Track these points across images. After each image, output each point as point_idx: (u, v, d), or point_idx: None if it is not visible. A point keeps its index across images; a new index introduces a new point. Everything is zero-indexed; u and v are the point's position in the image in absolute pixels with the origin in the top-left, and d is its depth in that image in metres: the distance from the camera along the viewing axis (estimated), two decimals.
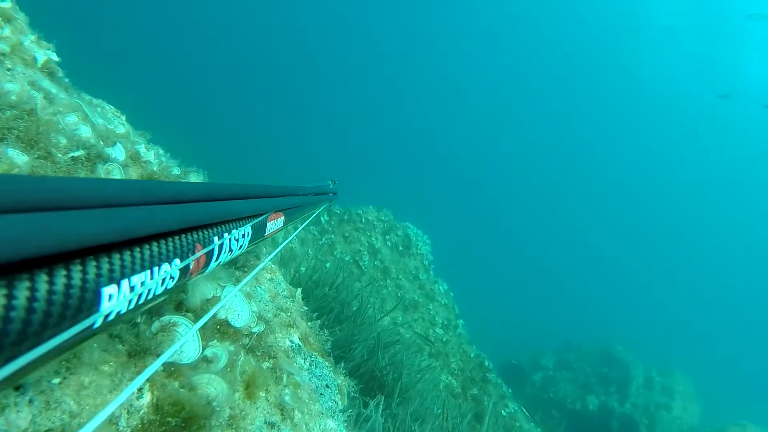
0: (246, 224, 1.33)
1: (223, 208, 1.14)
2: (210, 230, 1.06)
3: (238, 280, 2.25)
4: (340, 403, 2.22)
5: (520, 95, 56.88)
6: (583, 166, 59.70)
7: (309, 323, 2.37)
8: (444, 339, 9.70)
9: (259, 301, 2.24)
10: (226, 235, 1.15)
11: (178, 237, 0.87)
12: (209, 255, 1.04)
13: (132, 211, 0.72)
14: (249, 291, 2.20)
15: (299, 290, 2.59)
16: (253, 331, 1.93)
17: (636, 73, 46.32)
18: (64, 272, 0.55)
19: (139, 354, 1.46)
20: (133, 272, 0.69)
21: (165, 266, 0.80)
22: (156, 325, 1.54)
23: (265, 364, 1.88)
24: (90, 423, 0.54)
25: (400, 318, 9.08)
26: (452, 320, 10.31)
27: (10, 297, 0.46)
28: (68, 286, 0.54)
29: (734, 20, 34.32)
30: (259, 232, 1.48)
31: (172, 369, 1.51)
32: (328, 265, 8.88)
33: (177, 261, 0.85)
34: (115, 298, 0.64)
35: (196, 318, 1.72)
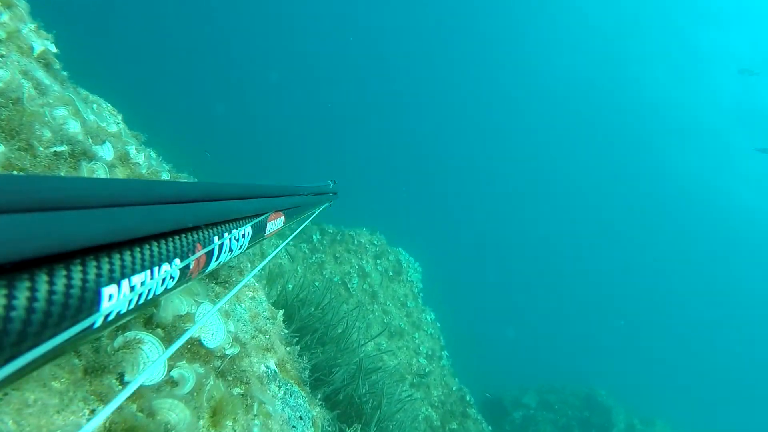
0: (246, 224, 1.31)
1: (223, 208, 1.13)
2: (210, 230, 1.05)
3: (217, 296, 2.14)
4: None
5: (519, 123, 57.17)
6: (571, 201, 59.77)
7: (288, 348, 2.26)
8: (427, 370, 9.56)
9: (237, 321, 2.13)
10: (226, 235, 1.14)
11: (178, 237, 0.87)
12: (209, 255, 1.04)
13: (132, 211, 0.72)
14: (228, 309, 2.09)
15: (281, 312, 2.49)
16: (227, 353, 1.82)
17: (635, 89, 46.31)
18: (64, 272, 0.54)
19: (96, 371, 1.34)
20: (133, 272, 0.69)
21: (165, 266, 0.79)
22: (119, 340, 1.43)
23: (236, 390, 1.77)
24: (91, 422, 0.54)
25: (385, 344, 8.96)
26: (437, 351, 10.19)
27: (10, 297, 0.46)
28: (68, 286, 0.54)
29: None
30: (259, 232, 1.45)
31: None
32: (316, 284, 8.79)
33: (177, 261, 0.84)
34: (115, 298, 0.64)
35: (166, 335, 1.61)
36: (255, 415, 1.75)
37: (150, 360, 1.44)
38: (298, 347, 2.39)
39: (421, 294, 10.76)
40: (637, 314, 57.91)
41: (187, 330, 0.85)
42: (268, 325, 2.29)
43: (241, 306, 2.26)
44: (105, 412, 0.54)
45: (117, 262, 0.64)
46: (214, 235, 1.06)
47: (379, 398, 6.06)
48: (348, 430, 4.87)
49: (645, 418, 15.36)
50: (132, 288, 0.68)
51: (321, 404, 2.25)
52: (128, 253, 0.68)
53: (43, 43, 2.69)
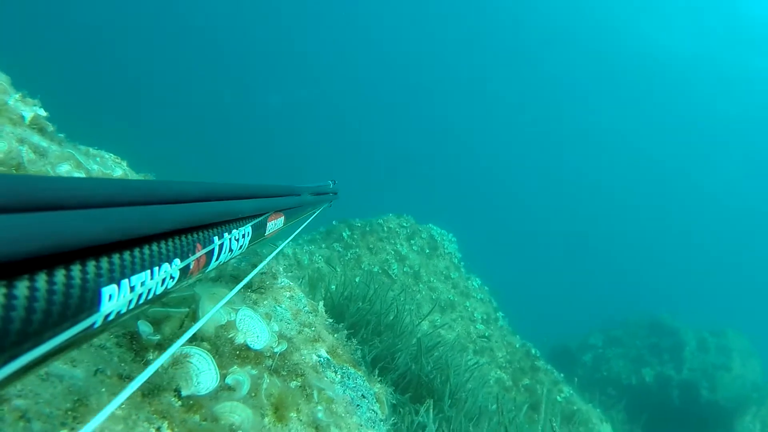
0: (246, 224, 1.31)
1: (223, 208, 1.13)
2: (210, 230, 1.05)
3: (255, 303, 2.18)
4: (380, 412, 2.13)
5: (535, 85, 56.92)
6: (610, 143, 59.21)
7: (335, 335, 2.30)
8: (486, 334, 9.55)
9: (280, 320, 2.17)
10: (226, 235, 1.14)
11: (178, 237, 0.87)
12: (209, 255, 1.04)
13: (132, 211, 0.72)
14: (268, 312, 2.13)
15: (321, 303, 2.52)
16: (276, 351, 1.86)
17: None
18: (64, 272, 0.54)
19: (153, 392, 1.39)
20: (134, 272, 0.69)
21: (165, 266, 0.80)
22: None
23: (293, 383, 1.81)
24: (91, 422, 0.54)
25: (439, 320, 8.96)
26: (491, 314, 10.17)
27: (10, 297, 0.46)
28: (68, 286, 0.54)
29: None
30: (259, 232, 1.45)
31: (191, 402, 1.44)
32: (357, 279, 8.82)
33: (177, 261, 0.84)
34: (115, 298, 0.64)
35: (213, 347, 1.65)
36: (317, 402, 1.79)
37: (201, 371, 1.48)
38: (345, 331, 2.43)
39: (462, 263, 10.74)
40: (680, 235, 57.26)
41: (187, 332, 0.86)
42: (311, 317, 2.33)
43: (281, 307, 2.30)
44: (109, 408, 0.55)
45: (117, 262, 0.65)
46: (214, 235, 1.06)
47: (446, 372, 6.08)
48: (422, 408, 4.91)
49: (715, 331, 15.04)
50: (132, 288, 0.68)
51: (380, 380, 2.29)
52: (128, 253, 0.68)
53: (32, 110, 2.75)
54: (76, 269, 0.56)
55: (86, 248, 0.58)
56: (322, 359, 2.04)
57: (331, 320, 2.47)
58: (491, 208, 61.27)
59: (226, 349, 1.66)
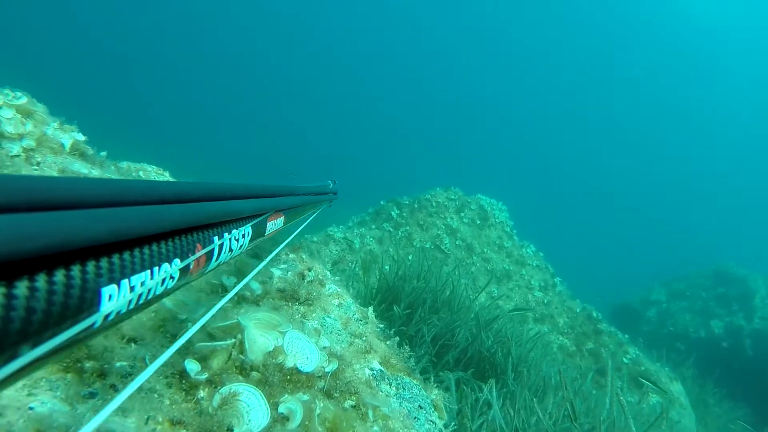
0: (246, 224, 1.32)
1: (223, 208, 1.13)
2: (210, 230, 1.05)
3: (303, 317, 2.16)
4: (438, 421, 2.09)
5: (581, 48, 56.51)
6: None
7: (388, 342, 2.26)
8: (545, 301, 9.42)
9: (330, 333, 2.15)
10: (226, 234, 1.14)
11: (178, 237, 0.87)
12: (209, 255, 1.03)
13: (132, 211, 0.71)
14: (317, 326, 2.11)
15: (371, 309, 2.49)
16: (327, 371, 1.83)
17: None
18: (64, 272, 0.54)
19: None
20: (133, 272, 0.69)
21: (165, 266, 0.79)
22: (217, 398, 1.47)
23: (347, 403, 1.78)
24: (92, 421, 0.54)
25: (496, 291, 8.88)
26: (549, 280, 10.02)
27: (10, 297, 0.46)
28: (68, 286, 0.54)
29: None
30: (259, 232, 1.46)
31: None
32: (410, 257, 8.80)
33: (177, 261, 0.84)
34: (115, 298, 0.64)
35: (262, 377, 1.63)
36: (373, 422, 1.76)
37: (251, 408, 1.46)
38: (397, 338, 2.39)
39: (514, 231, 10.58)
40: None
41: (185, 335, 0.84)
42: (361, 327, 2.30)
43: (330, 317, 2.28)
44: (104, 413, 0.55)
45: (117, 262, 0.65)
46: (214, 235, 1.06)
47: (507, 345, 6.02)
48: (485, 387, 4.87)
49: None
50: (132, 288, 0.68)
51: (437, 386, 2.24)
52: (128, 253, 0.68)
53: (70, 136, 2.77)
54: (76, 269, 0.56)
55: (86, 248, 0.59)
56: (375, 372, 2.01)
57: (382, 326, 2.44)
58: (537, 171, 61.03)
59: (275, 378, 1.64)
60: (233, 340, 1.68)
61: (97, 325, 0.61)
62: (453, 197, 10.29)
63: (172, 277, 0.82)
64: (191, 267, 0.92)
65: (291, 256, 2.80)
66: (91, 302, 0.58)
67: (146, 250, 0.73)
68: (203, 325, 1.74)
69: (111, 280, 0.62)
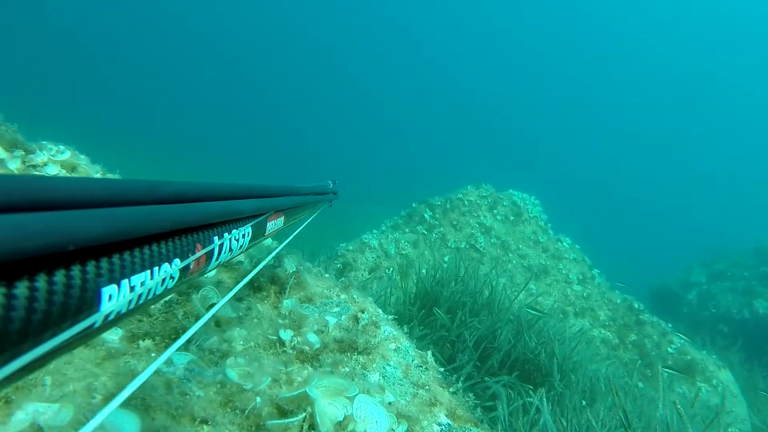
0: (246, 224, 1.32)
1: (223, 208, 1.13)
2: (210, 230, 1.05)
3: (364, 367, 2.13)
4: None
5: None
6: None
7: (450, 390, 2.22)
8: (585, 294, 9.29)
9: (393, 384, 2.12)
10: (226, 235, 1.14)
11: (178, 237, 0.87)
12: (209, 255, 1.04)
13: (132, 211, 0.71)
14: (380, 380, 2.08)
15: (429, 353, 2.45)
16: None
17: None
18: (64, 272, 0.54)
19: None
20: (133, 272, 0.69)
21: (165, 266, 0.80)
22: None
23: None
24: (91, 422, 0.54)
25: (534, 287, 8.78)
26: (587, 272, 9.89)
27: (10, 297, 0.46)
28: (68, 286, 0.54)
29: None
30: (259, 232, 1.46)
31: None
32: (446, 258, 8.74)
33: (177, 261, 0.84)
34: (115, 298, 0.64)
35: None
36: None
37: None
38: (460, 384, 2.35)
39: (549, 225, 10.45)
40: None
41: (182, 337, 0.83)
42: (423, 374, 2.27)
43: (390, 365, 2.25)
44: (104, 413, 0.56)
45: (117, 262, 0.65)
46: (214, 235, 1.06)
47: (551, 345, 5.95)
48: (535, 396, 4.81)
49: None
50: (132, 288, 0.68)
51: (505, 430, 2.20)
52: (128, 253, 0.68)
53: None
54: (76, 269, 0.56)
55: (86, 248, 0.59)
56: (443, 427, 1.98)
57: (442, 370, 2.40)
58: (564, 161, 60.72)
59: None
60: (304, 414, 1.66)
61: (97, 325, 0.61)
62: (485, 194, 10.18)
63: (172, 277, 0.83)
64: (191, 267, 0.92)
65: (342, 296, 2.78)
66: (91, 302, 0.58)
67: (146, 250, 0.74)
68: (272, 397, 1.72)
69: (111, 280, 0.63)
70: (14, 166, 2.71)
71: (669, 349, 8.77)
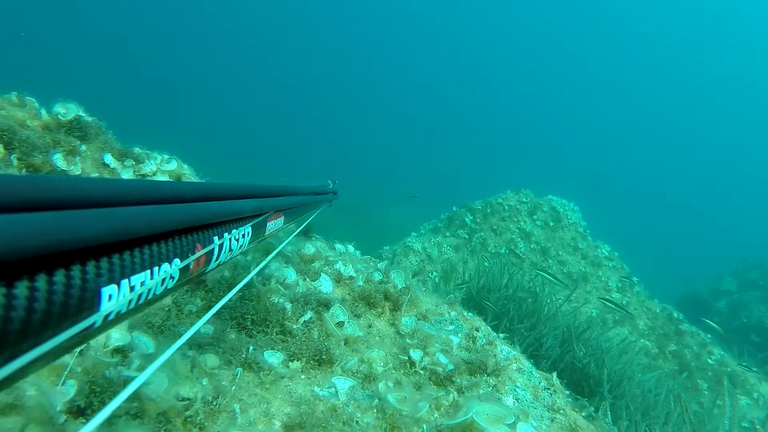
0: (246, 224, 1.32)
1: (223, 208, 1.12)
2: (210, 230, 1.05)
3: (496, 389, 2.10)
4: None
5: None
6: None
7: (583, 414, 2.19)
8: (624, 302, 9.22)
9: (531, 408, 2.09)
10: (226, 235, 1.14)
11: (178, 237, 0.87)
12: (209, 255, 1.04)
13: (132, 211, 0.71)
14: (519, 405, 2.05)
15: (554, 375, 2.42)
16: None
17: None
18: (64, 272, 0.55)
19: None
20: (133, 272, 0.69)
21: (165, 266, 0.80)
22: None
23: None
24: (92, 421, 0.54)
25: (574, 295, 8.72)
26: (626, 280, 9.77)
27: (10, 297, 0.46)
28: (68, 286, 0.55)
29: None
30: (259, 232, 1.46)
31: None
32: (487, 264, 8.73)
33: (177, 261, 0.85)
34: (115, 298, 0.64)
35: None
36: None
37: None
38: (592, 408, 2.32)
39: (588, 231, 10.35)
40: None
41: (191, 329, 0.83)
42: (552, 396, 2.24)
43: (518, 387, 2.23)
44: (105, 412, 0.55)
45: (117, 262, 0.65)
46: (214, 235, 1.06)
47: (600, 355, 5.90)
48: (589, 405, 4.77)
49: None
50: (132, 288, 0.68)
51: None
52: (128, 253, 0.69)
53: None
54: (76, 269, 0.57)
55: (86, 248, 0.59)
56: None
57: (568, 392, 2.37)
58: (597, 168, 60.78)
59: None
60: None
61: (97, 324, 0.61)
62: (524, 200, 10.12)
63: (172, 277, 0.83)
64: (191, 267, 0.92)
65: (452, 314, 2.76)
66: (91, 302, 0.59)
67: (146, 250, 0.74)
68: (437, 425, 1.69)
69: (111, 280, 0.63)
70: (127, 175, 2.71)
71: (709, 360, 8.68)
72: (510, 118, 66.09)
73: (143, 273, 0.71)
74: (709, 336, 9.17)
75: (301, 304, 2.17)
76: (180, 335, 1.79)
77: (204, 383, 1.53)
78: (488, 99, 67.04)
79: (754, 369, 7.36)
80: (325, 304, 2.24)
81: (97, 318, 0.60)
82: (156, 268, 0.76)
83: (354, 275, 2.68)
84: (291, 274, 2.40)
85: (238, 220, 1.26)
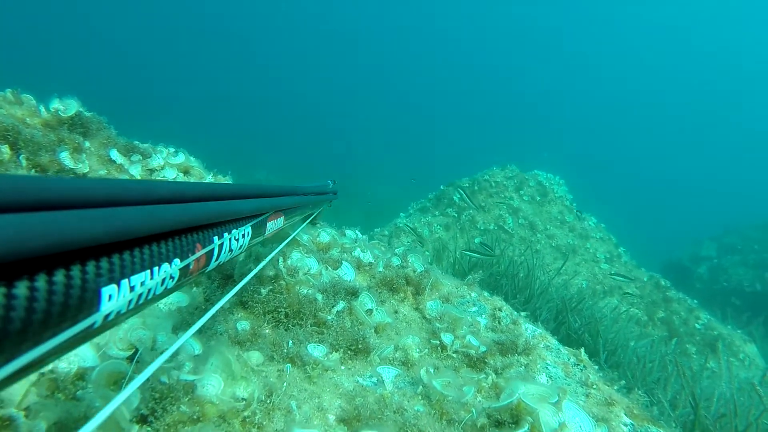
0: (246, 224, 1.32)
1: (223, 207, 1.13)
2: (210, 230, 1.06)
3: (527, 368, 2.11)
4: None
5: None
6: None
7: (615, 387, 2.20)
8: (612, 273, 9.35)
9: (565, 385, 2.10)
10: (226, 235, 1.14)
11: (178, 237, 0.87)
12: (209, 255, 1.04)
13: (132, 211, 0.71)
14: (556, 384, 2.06)
15: (582, 350, 2.43)
16: None
17: None
18: (64, 272, 0.54)
19: None
20: (133, 272, 0.69)
21: (165, 266, 0.80)
22: None
23: None
24: (91, 422, 0.54)
25: (563, 267, 8.82)
26: (613, 251, 9.93)
27: (10, 297, 0.46)
28: (68, 286, 0.54)
29: None
30: (259, 232, 1.47)
31: None
32: (477, 240, 8.75)
33: (177, 261, 0.85)
34: (115, 298, 0.64)
35: None
36: None
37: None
38: (623, 381, 2.34)
39: (574, 204, 10.42)
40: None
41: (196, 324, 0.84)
42: (584, 372, 2.25)
43: (550, 366, 2.23)
44: (105, 412, 0.56)
45: (117, 262, 0.65)
46: (214, 235, 1.06)
47: (595, 326, 5.98)
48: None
49: None
50: (132, 288, 0.68)
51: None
52: (128, 253, 0.69)
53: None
54: (76, 269, 0.57)
55: (86, 248, 0.59)
56: (629, 427, 1.96)
57: (596, 367, 2.39)
58: (578, 138, 61.16)
59: None
60: (527, 426, 1.63)
61: (97, 325, 0.61)
62: (511, 175, 10.13)
63: (172, 277, 0.83)
64: (191, 267, 0.92)
65: (473, 294, 2.75)
66: (91, 302, 0.59)
67: (146, 250, 0.74)
68: (485, 408, 1.69)
69: (111, 280, 0.63)
70: (136, 171, 2.64)
71: (696, 324, 8.86)
72: (489, 93, 66.50)
73: (143, 273, 0.71)
74: (696, 301, 9.36)
75: (331, 294, 2.15)
76: (219, 334, 1.75)
77: (255, 381, 1.50)
78: (466, 75, 67.34)
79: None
80: (353, 293, 2.22)
81: (97, 318, 0.60)
82: (156, 268, 0.76)
83: (373, 261, 2.66)
84: (313, 264, 2.37)
85: (238, 220, 1.26)
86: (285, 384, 1.59)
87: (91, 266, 0.59)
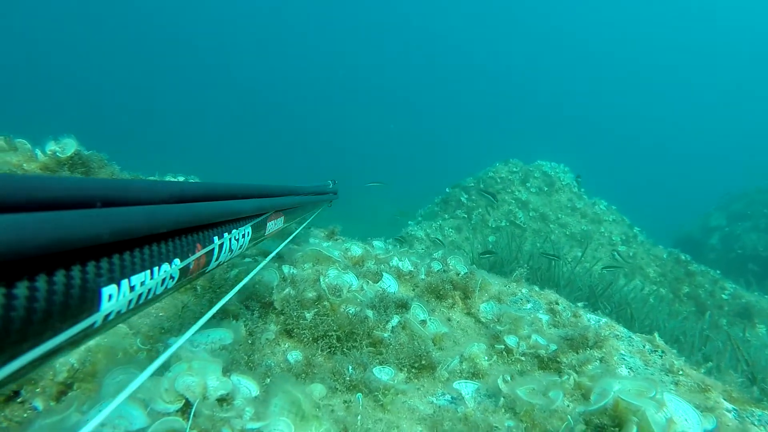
0: (246, 224, 1.31)
1: (223, 208, 1.12)
2: (210, 230, 1.05)
3: (603, 361, 1.92)
4: None
5: None
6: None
7: (702, 371, 2.01)
8: (630, 254, 9.17)
9: (649, 375, 1.91)
10: (226, 235, 1.13)
11: (178, 237, 0.87)
12: (209, 255, 1.03)
13: (132, 211, 0.71)
14: (628, 373, 1.87)
15: (656, 334, 2.24)
16: (709, 429, 1.59)
17: None
18: (64, 272, 0.54)
19: None
20: (133, 272, 0.69)
21: (165, 266, 0.79)
22: None
23: None
24: (90, 423, 0.54)
25: (580, 254, 8.63)
26: (628, 232, 9.76)
27: (10, 297, 0.45)
28: (68, 286, 0.54)
29: None
30: (259, 232, 1.46)
31: None
32: (490, 238, 8.62)
33: (177, 261, 0.84)
34: (115, 298, 0.63)
35: None
36: None
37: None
38: (710, 363, 2.16)
39: (582, 190, 10.24)
40: None
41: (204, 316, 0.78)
42: (666, 358, 2.06)
43: (626, 356, 2.04)
44: (102, 414, 0.55)
45: (117, 262, 0.65)
46: (214, 235, 1.06)
47: (626, 309, 5.84)
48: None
49: None
50: (132, 288, 0.68)
51: None
52: (128, 253, 0.68)
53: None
54: (76, 269, 0.56)
55: (86, 248, 0.58)
56: (733, 413, 1.77)
57: (676, 351, 2.20)
58: (577, 118, 61.37)
59: None
60: (635, 428, 1.44)
61: (97, 324, 0.61)
62: (515, 169, 9.96)
63: (172, 277, 0.83)
64: (191, 267, 0.92)
65: (524, 291, 2.57)
66: (91, 302, 0.58)
67: (146, 250, 0.73)
68: (580, 413, 1.49)
69: (111, 280, 0.63)
70: None
71: (723, 295, 8.67)
72: (480, 91, 66.65)
73: (143, 273, 0.71)
74: (718, 272, 9.17)
75: (382, 310, 1.96)
76: (265, 367, 1.55)
77: (327, 419, 1.31)
78: (456, 73, 67.62)
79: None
80: (403, 305, 2.04)
81: (97, 318, 0.59)
82: (156, 268, 0.75)
83: (413, 269, 2.48)
84: (353, 280, 2.19)
85: (238, 220, 1.25)
86: (359, 417, 1.40)
87: (91, 266, 0.59)
